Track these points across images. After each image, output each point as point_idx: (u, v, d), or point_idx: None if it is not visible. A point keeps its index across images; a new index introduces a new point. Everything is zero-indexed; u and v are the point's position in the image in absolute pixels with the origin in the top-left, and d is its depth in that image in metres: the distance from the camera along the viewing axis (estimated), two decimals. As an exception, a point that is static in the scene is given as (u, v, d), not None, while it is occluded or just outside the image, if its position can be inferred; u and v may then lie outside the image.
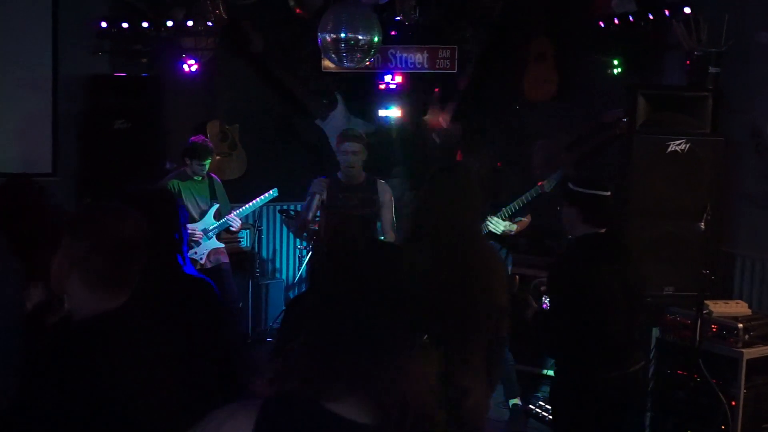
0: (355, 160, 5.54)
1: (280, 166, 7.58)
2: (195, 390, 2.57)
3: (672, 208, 5.26)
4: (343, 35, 6.02)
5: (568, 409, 3.92)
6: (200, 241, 6.26)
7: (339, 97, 7.90)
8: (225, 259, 6.45)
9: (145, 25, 6.72)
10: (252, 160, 7.55)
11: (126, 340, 2.24)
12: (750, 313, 4.95)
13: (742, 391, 4.63)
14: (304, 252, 7.50)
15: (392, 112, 7.99)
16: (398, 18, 6.95)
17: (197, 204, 6.32)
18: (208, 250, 6.31)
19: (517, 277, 4.23)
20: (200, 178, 6.29)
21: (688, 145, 5.26)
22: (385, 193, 5.65)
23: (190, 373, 2.63)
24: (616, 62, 6.48)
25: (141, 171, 6.40)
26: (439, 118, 7.76)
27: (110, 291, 2.25)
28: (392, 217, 5.67)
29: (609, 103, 6.55)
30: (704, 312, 4.77)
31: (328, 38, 6.04)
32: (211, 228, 6.29)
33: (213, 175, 6.45)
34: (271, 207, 7.67)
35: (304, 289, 7.64)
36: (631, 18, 6.05)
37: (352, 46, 6.10)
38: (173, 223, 3.09)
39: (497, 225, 5.70)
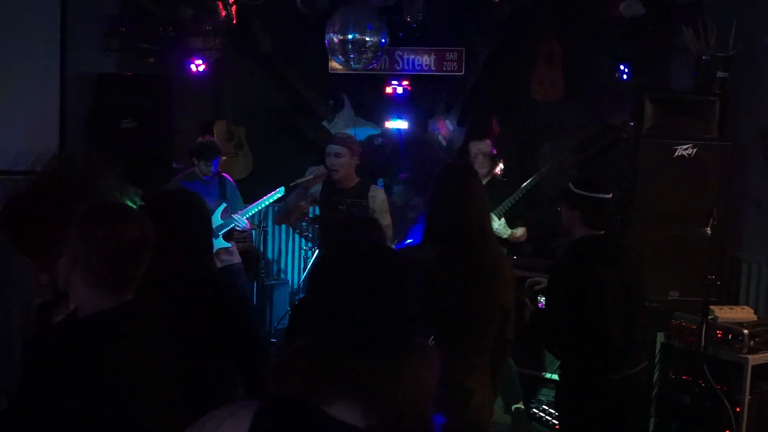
0: (338, 163, 5.35)
1: (286, 166, 7.59)
2: (203, 390, 2.58)
3: (678, 212, 5.25)
4: (350, 36, 6.03)
5: (572, 413, 3.93)
6: None
7: (346, 98, 7.90)
8: (237, 259, 6.43)
9: (153, 24, 6.73)
10: (258, 160, 7.56)
11: (127, 337, 2.25)
12: (755, 319, 4.92)
13: (747, 397, 4.61)
14: (309, 253, 7.51)
15: (398, 114, 7.99)
16: (406, 20, 6.95)
17: (207, 203, 6.31)
18: (215, 250, 6.31)
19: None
20: (209, 177, 6.30)
21: (695, 150, 5.25)
22: (377, 198, 5.45)
23: (199, 373, 2.64)
24: (623, 65, 6.46)
25: (148, 171, 6.40)
26: (445, 121, 7.75)
27: (112, 291, 2.25)
28: (388, 221, 5.53)
29: (616, 107, 6.54)
30: (709, 317, 4.76)
31: (336, 39, 6.05)
32: (216, 227, 6.29)
33: (225, 175, 6.44)
34: (277, 207, 7.67)
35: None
36: (639, 21, 6.03)
37: (359, 48, 6.11)
38: (189, 223, 3.08)
39: (492, 223, 5.66)
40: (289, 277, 8.12)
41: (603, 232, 3.87)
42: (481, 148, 6.10)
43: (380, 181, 7.80)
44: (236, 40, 7.40)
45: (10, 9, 6.64)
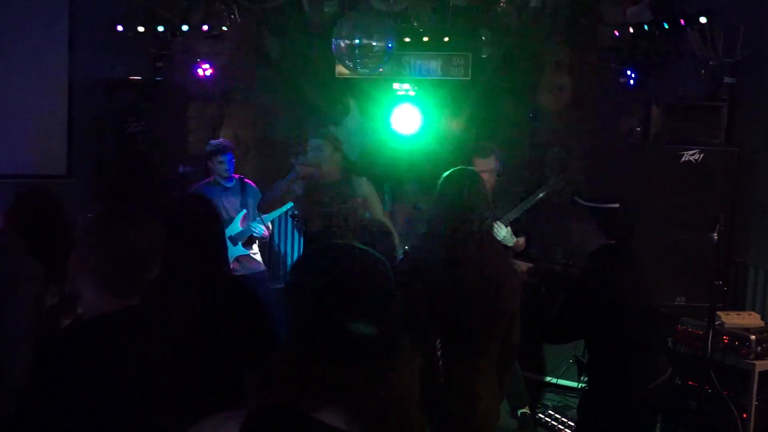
0: (318, 157, 5.36)
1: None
2: (215, 394, 2.59)
3: (685, 217, 5.25)
4: (357, 41, 6.03)
5: (605, 424, 3.86)
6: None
7: (353, 103, 7.91)
8: (259, 267, 6.42)
9: (160, 29, 6.75)
10: (264, 165, 7.56)
11: (129, 340, 2.26)
12: (762, 325, 4.92)
13: (754, 403, 4.61)
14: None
15: (406, 119, 7.99)
16: (413, 24, 6.95)
17: (226, 211, 6.32)
18: (233, 258, 6.32)
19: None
20: (230, 184, 6.29)
21: (701, 155, 5.26)
22: (362, 187, 5.48)
23: (209, 377, 2.65)
24: (630, 71, 6.45)
25: (155, 174, 6.43)
26: (452, 126, 7.75)
27: (117, 295, 2.27)
28: (380, 209, 5.57)
29: (623, 112, 6.53)
30: (716, 323, 4.75)
31: (343, 44, 6.06)
32: (235, 234, 6.29)
33: (248, 181, 6.46)
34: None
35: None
36: (646, 27, 6.03)
37: (366, 53, 6.11)
38: (201, 227, 3.09)
39: (498, 230, 5.66)
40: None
41: (615, 241, 3.87)
42: (487, 164, 6.12)
43: (386, 185, 7.80)
44: (244, 44, 7.41)
45: (18, 14, 6.67)
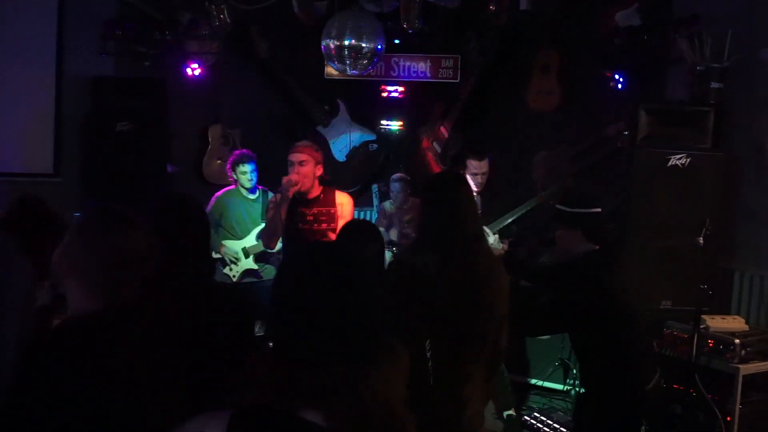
0: (302, 172, 5.11)
1: (281, 170, 7.59)
2: (197, 395, 2.58)
3: (671, 222, 5.28)
4: (346, 42, 6.02)
5: (605, 428, 3.88)
6: (232, 259, 6.26)
7: (341, 103, 7.92)
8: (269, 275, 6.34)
9: (150, 28, 6.73)
10: (255, 156, 7.55)
11: (116, 337, 2.25)
12: (747, 329, 4.95)
13: (738, 406, 4.63)
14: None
15: (393, 121, 8.01)
16: (402, 26, 6.96)
17: (245, 222, 6.30)
18: (243, 270, 6.31)
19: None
20: (253, 195, 6.28)
21: (689, 160, 5.28)
22: (345, 206, 5.23)
23: (193, 379, 2.64)
24: (619, 75, 6.48)
25: (143, 173, 6.42)
26: (440, 128, 7.77)
27: (104, 297, 2.26)
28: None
29: (611, 117, 6.56)
30: (701, 327, 4.78)
31: (332, 45, 6.05)
32: (249, 247, 6.26)
33: (271, 192, 6.44)
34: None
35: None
36: (635, 32, 6.06)
37: (356, 54, 6.11)
38: (190, 230, 3.08)
39: (489, 238, 5.69)
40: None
41: (599, 246, 3.89)
42: (482, 167, 6.15)
43: (375, 186, 7.81)
44: (233, 44, 7.41)
45: (6, 11, 6.64)
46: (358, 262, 1.63)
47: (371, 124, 8.06)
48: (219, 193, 6.39)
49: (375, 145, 7.97)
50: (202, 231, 3.15)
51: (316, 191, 5.20)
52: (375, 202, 7.71)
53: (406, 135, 8.11)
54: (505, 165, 6.76)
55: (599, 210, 3.89)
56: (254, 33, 7.37)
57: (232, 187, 6.35)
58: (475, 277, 3.34)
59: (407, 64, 7.73)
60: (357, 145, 7.93)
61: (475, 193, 4.93)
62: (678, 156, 5.30)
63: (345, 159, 7.93)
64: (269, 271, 6.26)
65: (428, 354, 3.01)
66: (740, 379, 4.63)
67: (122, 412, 2.18)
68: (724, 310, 5.45)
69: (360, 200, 7.68)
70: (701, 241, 4.90)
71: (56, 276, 2.29)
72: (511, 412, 5.76)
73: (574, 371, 5.93)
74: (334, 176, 7.86)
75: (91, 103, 6.66)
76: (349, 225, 4.22)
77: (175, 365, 2.40)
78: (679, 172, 5.29)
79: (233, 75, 7.41)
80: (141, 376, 2.26)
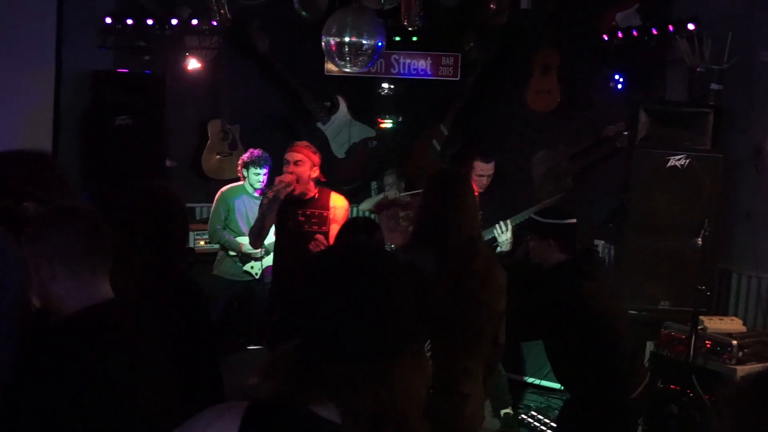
0: (298, 171, 5.06)
1: (280, 166, 7.59)
2: (186, 388, 2.58)
3: (670, 222, 5.29)
4: (347, 39, 6.02)
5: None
6: (256, 256, 6.26)
7: (341, 100, 7.91)
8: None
9: (149, 22, 6.72)
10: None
11: (115, 332, 2.27)
12: (744, 330, 4.96)
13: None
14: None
15: (393, 118, 8.00)
16: (403, 24, 6.96)
17: (248, 220, 6.29)
18: (266, 266, 6.31)
19: None
20: (260, 192, 6.28)
21: (687, 161, 5.29)
22: (338, 209, 5.16)
23: (180, 372, 2.64)
24: (618, 76, 6.49)
25: (141, 168, 6.40)
26: (439, 126, 7.77)
27: (91, 271, 2.29)
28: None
29: (611, 117, 6.57)
30: (699, 328, 4.79)
31: (332, 42, 6.05)
32: (268, 244, 6.25)
33: None
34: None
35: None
36: (635, 33, 6.06)
37: (356, 51, 6.11)
38: (164, 222, 3.08)
39: (502, 233, 5.69)
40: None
41: (573, 256, 3.90)
42: (488, 170, 6.19)
43: (374, 184, 7.81)
44: (233, 40, 7.40)
45: (5, 5, 6.61)
46: (392, 264, 1.63)
47: (371, 121, 8.05)
48: (224, 190, 6.38)
49: (375, 142, 7.96)
50: (172, 224, 3.14)
51: (311, 192, 5.14)
52: (373, 194, 7.71)
53: (406, 132, 8.10)
54: (503, 164, 6.76)
55: (574, 221, 3.92)
56: (254, 28, 7.36)
57: (238, 183, 6.33)
58: (473, 274, 3.35)
59: (407, 61, 7.73)
60: (357, 141, 7.92)
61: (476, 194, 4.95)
62: (677, 157, 5.31)
63: (344, 155, 7.92)
64: None
65: (428, 353, 3.01)
66: (737, 380, 4.64)
67: (119, 407, 2.18)
68: (722, 312, 5.47)
69: (359, 197, 7.67)
70: (699, 242, 4.91)
71: (43, 290, 2.31)
72: (508, 410, 5.78)
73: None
74: (334, 173, 7.86)
75: (90, 97, 6.64)
76: (348, 221, 4.23)
77: (165, 358, 2.41)
78: (677, 173, 5.30)
79: (233, 70, 7.39)
80: (138, 369, 2.27)
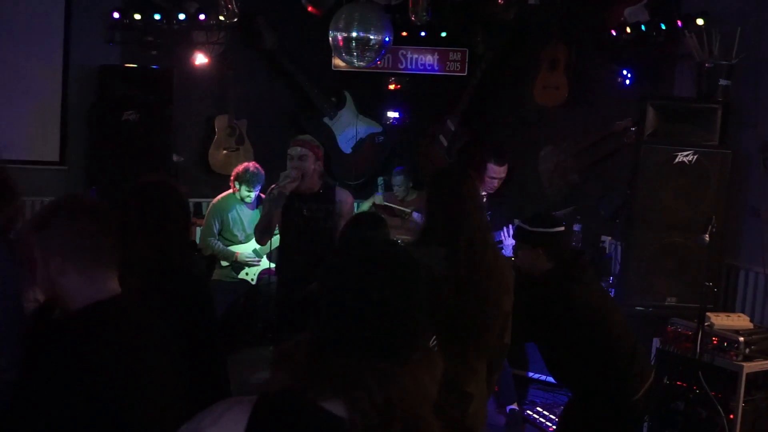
0: (302, 166, 5.01)
1: (287, 162, 7.59)
2: (192, 383, 2.59)
3: (677, 218, 5.27)
4: (354, 34, 6.02)
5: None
6: (251, 262, 6.28)
7: (348, 95, 7.91)
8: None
9: (157, 17, 6.73)
10: (259, 156, 7.56)
11: (124, 326, 2.27)
12: (752, 327, 4.93)
13: (741, 404, 4.62)
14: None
15: (400, 113, 8.00)
16: (410, 19, 6.96)
17: (243, 227, 6.34)
18: (260, 271, 6.32)
19: None
20: (252, 202, 6.33)
21: (695, 157, 5.27)
22: (345, 204, 5.13)
23: (185, 367, 2.65)
24: (626, 71, 6.47)
25: (148, 163, 6.41)
26: (446, 121, 7.76)
27: (100, 266, 2.28)
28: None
29: (618, 112, 6.54)
30: (706, 324, 4.76)
31: (339, 37, 6.05)
32: (260, 249, 6.28)
33: None
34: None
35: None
36: (643, 28, 6.04)
37: (363, 46, 6.10)
38: (159, 214, 3.08)
39: (510, 238, 5.69)
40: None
41: (561, 263, 3.88)
42: (500, 172, 6.17)
43: (380, 179, 7.80)
44: (240, 35, 7.40)
45: (14, 0, 6.64)
46: (405, 261, 1.63)
47: (378, 117, 8.05)
48: (215, 202, 6.40)
49: (381, 138, 7.96)
50: (174, 221, 3.14)
51: (316, 187, 5.11)
52: (380, 193, 7.71)
53: (413, 128, 8.10)
54: (511, 159, 6.74)
55: (562, 229, 3.91)
56: (261, 24, 7.36)
57: (228, 193, 6.34)
58: (481, 271, 3.34)
59: (415, 56, 7.73)
60: (363, 137, 7.92)
61: (484, 195, 4.96)
62: (685, 153, 5.29)
63: (351, 151, 7.92)
64: None
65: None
66: (744, 377, 4.61)
67: (130, 401, 2.19)
68: (729, 308, 5.44)
69: (365, 192, 7.68)
70: (707, 238, 4.88)
71: (50, 285, 2.30)
72: (513, 406, 5.77)
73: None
74: (341, 168, 7.86)
75: (97, 92, 6.66)
76: (354, 217, 4.23)
77: (171, 353, 2.42)
78: (685, 169, 5.28)
79: (240, 66, 7.40)
80: (144, 364, 2.27)
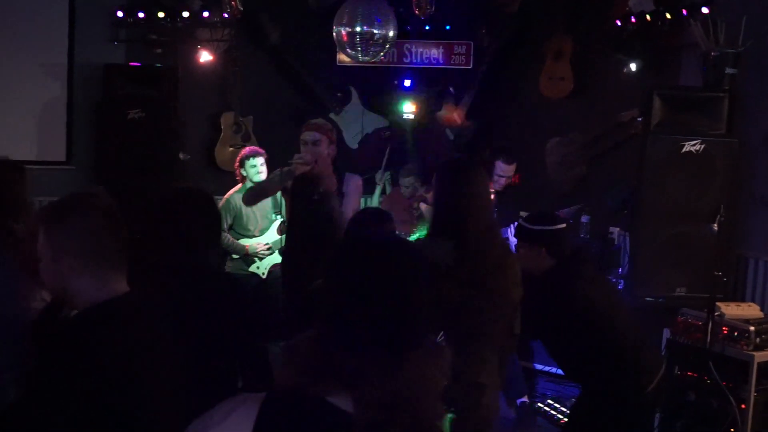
0: (316, 151, 5.06)
1: (288, 156, 7.58)
2: (207, 383, 2.60)
3: (685, 208, 5.25)
4: (358, 29, 6.01)
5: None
6: (262, 255, 6.27)
7: (353, 90, 7.90)
8: None
9: (161, 15, 6.73)
10: (265, 152, 7.56)
11: (131, 326, 2.27)
12: (762, 316, 4.91)
13: (753, 394, 4.61)
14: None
15: (406, 108, 7.98)
16: (414, 13, 6.94)
17: (257, 219, 6.30)
18: (270, 265, 6.31)
19: None
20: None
21: (702, 146, 5.24)
22: (350, 184, 5.23)
23: (200, 367, 2.66)
24: (632, 61, 6.44)
25: (155, 161, 6.42)
26: (453, 114, 7.74)
27: (109, 266, 2.27)
28: (357, 206, 5.32)
29: (625, 103, 6.52)
30: (716, 314, 4.75)
31: (344, 32, 6.04)
32: (273, 242, 6.27)
33: None
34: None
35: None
36: (648, 17, 6.01)
37: (368, 41, 6.09)
38: (192, 219, 3.09)
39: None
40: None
41: (563, 260, 3.86)
42: (509, 171, 6.16)
43: (387, 173, 7.79)
44: (244, 31, 7.39)
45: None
46: (411, 255, 1.62)
47: (383, 111, 8.03)
48: (227, 197, 6.37)
49: (387, 132, 7.95)
50: (212, 223, 3.15)
51: (327, 170, 5.10)
52: (387, 189, 7.70)
53: (419, 122, 8.08)
54: (517, 151, 6.73)
55: (563, 226, 3.89)
56: (265, 20, 7.35)
57: (239, 188, 6.33)
58: (489, 263, 3.34)
59: (419, 50, 7.71)
60: (369, 132, 7.91)
61: (492, 192, 4.95)
62: (692, 142, 5.27)
63: (357, 146, 7.91)
64: None
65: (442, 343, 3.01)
66: (755, 367, 4.60)
67: (137, 400, 2.19)
68: (739, 297, 5.42)
69: (371, 188, 7.67)
70: (715, 228, 4.87)
71: (62, 283, 2.29)
72: (524, 399, 5.77)
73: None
74: (347, 163, 7.85)
75: (102, 90, 6.66)
76: (360, 212, 4.22)
77: (185, 353, 2.41)
78: (692, 159, 5.26)
79: (245, 62, 7.39)
80: (153, 363, 2.27)
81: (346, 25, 6.02)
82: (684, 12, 5.74)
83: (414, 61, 7.74)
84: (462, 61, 7.71)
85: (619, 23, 6.27)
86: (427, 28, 7.70)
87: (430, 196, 5.93)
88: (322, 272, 1.66)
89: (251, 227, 6.32)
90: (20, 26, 6.64)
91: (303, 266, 4.85)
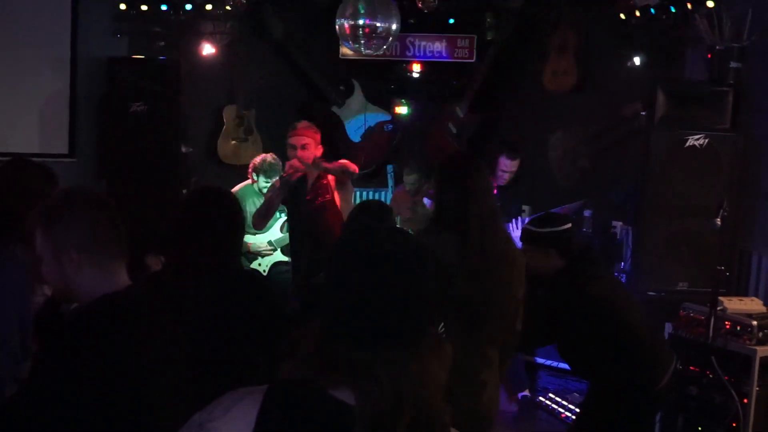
0: (306, 155, 5.23)
1: (287, 151, 7.58)
2: (227, 376, 2.61)
3: (689, 203, 5.25)
4: (361, 22, 5.99)
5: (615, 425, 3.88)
6: (263, 253, 6.28)
7: (356, 84, 7.89)
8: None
9: (164, 8, 6.72)
10: (268, 146, 7.55)
11: (136, 317, 2.27)
12: (765, 311, 4.90)
13: (755, 388, 4.60)
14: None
15: (409, 101, 7.96)
16: (418, 6, 6.92)
17: None
18: (272, 263, 6.32)
19: None
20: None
21: (706, 141, 5.24)
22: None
23: (221, 365, 2.68)
24: (636, 55, 6.42)
25: (158, 154, 6.42)
26: (455, 108, 7.72)
27: (113, 259, 2.28)
28: (350, 203, 5.44)
29: (629, 97, 6.50)
30: (718, 308, 4.74)
31: (346, 25, 6.02)
32: (276, 240, 6.27)
33: None
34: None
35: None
36: (653, 11, 5.99)
37: (371, 34, 6.07)
38: (216, 219, 3.10)
39: (518, 230, 5.68)
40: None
41: (572, 260, 3.86)
42: (512, 166, 6.15)
43: (390, 167, 7.79)
44: (247, 24, 7.38)
45: (21, -9, 6.64)
46: (415, 249, 1.61)
47: (386, 105, 8.02)
48: (233, 191, 6.37)
49: (390, 126, 7.93)
50: (235, 223, 3.18)
51: (319, 173, 5.29)
52: (390, 183, 7.69)
53: (422, 116, 8.06)
54: (520, 145, 6.72)
55: (570, 226, 3.88)
56: (268, 13, 7.34)
57: (246, 184, 6.33)
58: (493, 257, 3.33)
59: (423, 43, 7.68)
60: (372, 125, 7.90)
61: (495, 187, 4.96)
62: (696, 136, 5.26)
63: (360, 140, 7.90)
64: None
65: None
66: (757, 361, 4.60)
67: (143, 392, 2.19)
68: (742, 292, 5.41)
69: (375, 181, 7.66)
70: (719, 223, 4.85)
71: (65, 283, 2.29)
72: (525, 393, 5.77)
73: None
74: (349, 157, 7.83)
75: (105, 83, 6.66)
76: (361, 205, 4.22)
77: (195, 353, 2.42)
78: (696, 153, 5.25)
79: (247, 55, 7.38)
80: (161, 360, 2.27)
81: (349, 18, 6.00)
82: (689, 6, 5.72)
83: (417, 54, 7.71)
84: (466, 54, 7.67)
85: (623, 17, 6.25)
86: (430, 21, 7.67)
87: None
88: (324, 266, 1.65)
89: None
90: (23, 19, 6.63)
91: (309, 255, 4.96)
